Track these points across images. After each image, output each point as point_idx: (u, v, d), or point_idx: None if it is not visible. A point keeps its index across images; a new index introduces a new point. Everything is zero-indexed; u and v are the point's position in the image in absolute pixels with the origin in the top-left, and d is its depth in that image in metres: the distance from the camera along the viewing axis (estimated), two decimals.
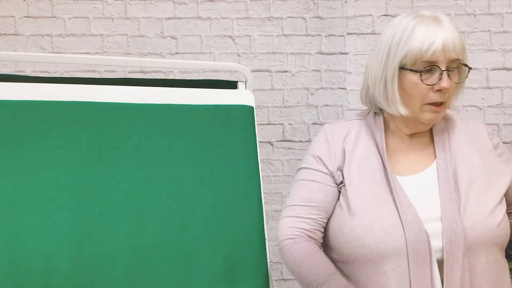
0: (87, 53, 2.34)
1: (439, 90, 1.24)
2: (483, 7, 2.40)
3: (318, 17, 2.40)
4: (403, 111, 1.27)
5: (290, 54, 2.40)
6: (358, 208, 1.26)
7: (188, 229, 1.45)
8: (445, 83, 1.23)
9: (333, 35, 2.39)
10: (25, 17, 2.34)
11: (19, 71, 2.32)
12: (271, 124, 2.40)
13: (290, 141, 2.39)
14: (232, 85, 1.68)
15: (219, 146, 1.53)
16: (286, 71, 2.40)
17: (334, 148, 1.34)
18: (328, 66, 2.40)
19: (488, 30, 2.40)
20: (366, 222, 1.23)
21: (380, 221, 1.22)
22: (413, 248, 1.20)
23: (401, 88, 1.27)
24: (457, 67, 1.26)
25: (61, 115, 1.47)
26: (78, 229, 1.39)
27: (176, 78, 2.32)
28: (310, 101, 2.40)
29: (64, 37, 2.36)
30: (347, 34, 2.39)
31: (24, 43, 2.34)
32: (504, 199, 1.29)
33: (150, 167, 1.48)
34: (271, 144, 2.40)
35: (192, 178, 1.49)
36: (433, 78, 1.24)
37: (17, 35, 2.34)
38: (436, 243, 1.22)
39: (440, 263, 1.21)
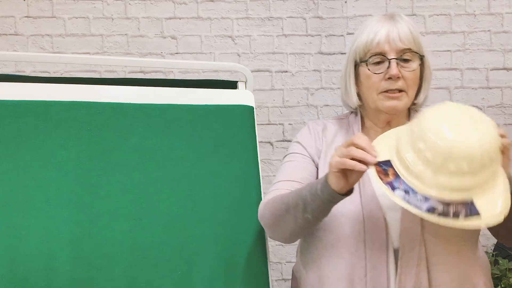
0: (87, 53, 2.35)
1: (390, 78, 1.30)
2: (483, 7, 2.40)
3: (318, 17, 2.40)
4: (356, 101, 1.38)
5: (290, 54, 2.40)
6: None
7: (188, 229, 1.45)
8: (393, 70, 1.29)
9: (333, 35, 2.39)
10: (25, 17, 2.34)
11: (19, 71, 2.32)
12: (271, 124, 2.40)
13: (290, 141, 2.39)
14: (232, 85, 1.68)
15: (219, 146, 1.53)
16: (286, 71, 2.40)
17: (314, 137, 1.41)
18: (328, 66, 2.40)
19: (488, 30, 2.40)
20: None
21: (342, 207, 1.25)
22: (371, 235, 1.24)
23: (360, 82, 1.36)
24: (411, 58, 1.32)
25: (61, 115, 1.47)
26: (78, 229, 1.39)
27: (176, 78, 2.32)
28: (310, 101, 2.40)
29: (64, 37, 2.36)
30: (347, 34, 2.39)
31: (24, 43, 2.34)
32: None
33: (150, 167, 1.48)
34: (271, 144, 2.40)
35: (192, 178, 1.49)
36: (382, 68, 1.31)
37: (17, 35, 2.34)
38: (395, 231, 1.25)
39: (398, 251, 1.24)
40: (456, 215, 1.05)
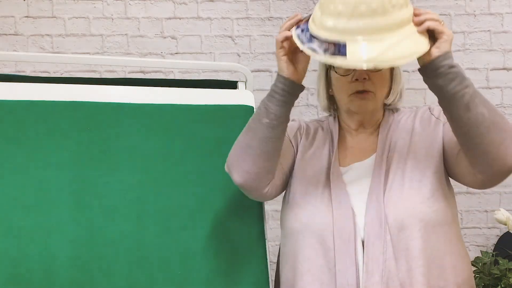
0: (87, 53, 2.35)
1: (357, 80, 1.33)
2: (483, 7, 2.40)
3: None
4: (325, 105, 1.44)
5: None
6: (299, 188, 1.37)
7: (188, 229, 1.45)
8: (359, 73, 1.32)
9: None
10: (25, 17, 2.35)
11: (19, 71, 2.32)
12: None
13: None
14: (232, 85, 1.68)
15: (219, 146, 1.53)
16: None
17: (298, 128, 1.49)
18: None
19: (488, 30, 2.40)
20: (301, 199, 1.34)
21: (314, 199, 1.33)
22: (339, 225, 1.28)
23: (333, 85, 1.39)
24: None
25: (61, 115, 1.47)
26: (78, 229, 1.39)
27: (176, 78, 2.32)
28: (310, 101, 2.40)
29: (64, 37, 2.36)
30: None
31: (24, 43, 2.34)
32: (442, 178, 1.32)
33: (150, 167, 1.48)
34: None
35: (192, 178, 1.49)
36: (349, 70, 1.33)
37: (17, 35, 2.35)
38: (361, 222, 1.29)
39: (364, 240, 1.28)
40: (326, 51, 1.16)
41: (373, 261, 1.25)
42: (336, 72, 1.35)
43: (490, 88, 2.40)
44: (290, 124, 1.47)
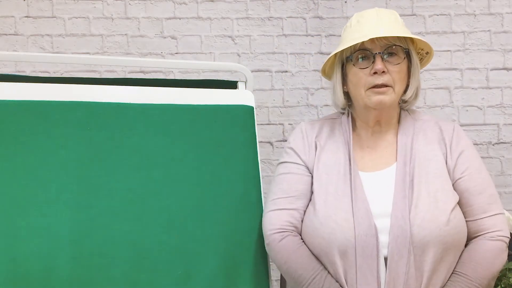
0: (87, 53, 2.34)
1: (376, 73, 1.31)
2: (483, 7, 2.40)
3: (318, 17, 2.40)
4: (343, 101, 1.40)
5: (290, 54, 2.40)
6: (318, 201, 1.33)
7: (188, 229, 1.45)
8: (377, 65, 1.31)
9: (333, 35, 2.39)
10: (25, 17, 2.34)
11: (19, 71, 2.32)
12: (271, 124, 2.40)
13: None
14: (232, 85, 1.68)
15: (219, 146, 1.53)
16: (286, 71, 2.40)
17: (308, 142, 1.43)
18: None
19: (488, 30, 2.40)
20: (322, 214, 1.30)
21: (334, 213, 1.29)
22: (361, 242, 1.25)
23: (349, 80, 1.38)
24: (397, 53, 1.34)
25: (61, 115, 1.47)
26: (78, 229, 1.39)
27: (176, 78, 2.32)
28: (310, 101, 2.40)
29: (64, 37, 2.36)
30: None
31: (24, 43, 2.34)
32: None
33: (150, 167, 1.48)
34: (271, 144, 2.40)
35: (192, 178, 1.49)
36: (368, 63, 1.32)
37: (17, 35, 2.34)
38: (384, 238, 1.26)
39: (387, 258, 1.25)
40: None
41: (396, 280, 1.23)
42: (354, 66, 1.33)
43: (490, 88, 2.40)
44: (297, 146, 1.44)
